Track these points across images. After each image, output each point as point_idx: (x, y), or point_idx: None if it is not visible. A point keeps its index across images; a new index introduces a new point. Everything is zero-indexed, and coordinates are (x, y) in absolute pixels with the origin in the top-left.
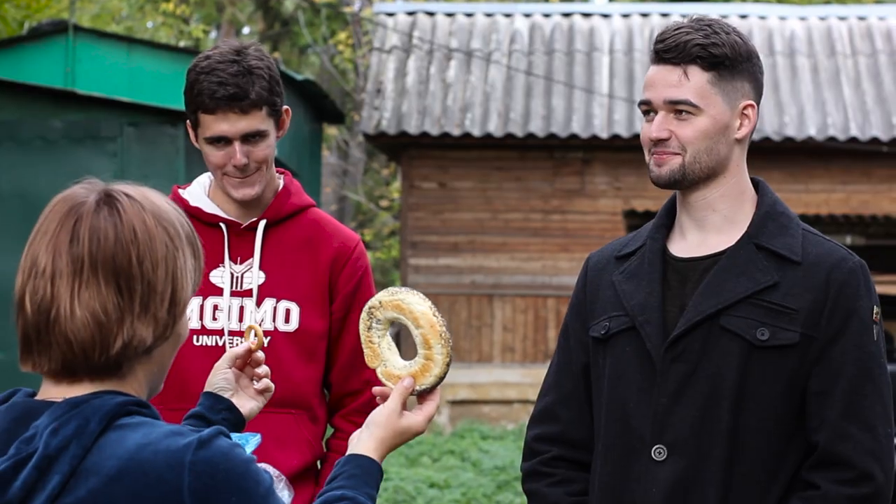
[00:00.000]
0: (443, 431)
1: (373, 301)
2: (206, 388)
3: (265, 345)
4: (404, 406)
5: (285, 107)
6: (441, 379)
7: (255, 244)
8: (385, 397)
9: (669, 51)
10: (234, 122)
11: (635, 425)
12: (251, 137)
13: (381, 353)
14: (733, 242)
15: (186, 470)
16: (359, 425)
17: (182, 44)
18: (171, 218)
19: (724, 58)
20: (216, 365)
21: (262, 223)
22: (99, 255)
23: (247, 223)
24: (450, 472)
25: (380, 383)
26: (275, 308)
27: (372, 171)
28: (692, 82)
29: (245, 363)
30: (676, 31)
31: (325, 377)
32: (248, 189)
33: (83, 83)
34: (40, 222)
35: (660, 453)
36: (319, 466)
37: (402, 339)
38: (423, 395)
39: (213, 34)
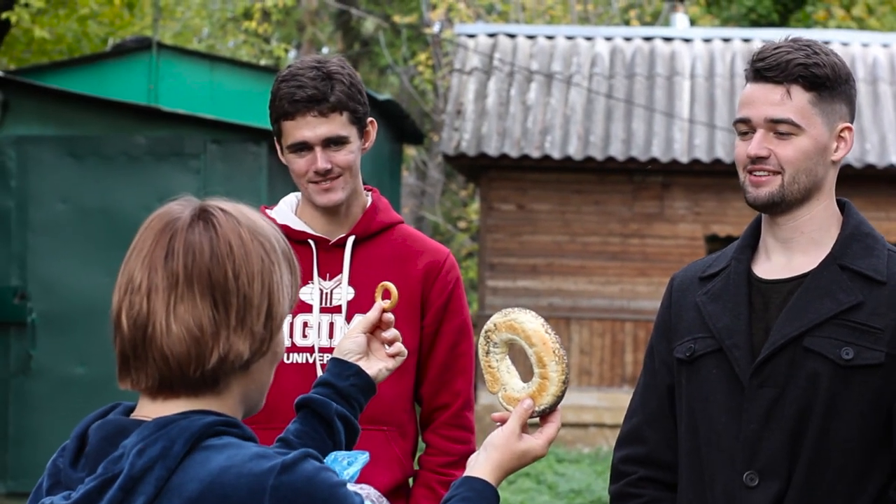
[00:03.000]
0: None
1: (488, 325)
2: (335, 354)
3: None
4: (524, 429)
5: (370, 119)
6: (559, 398)
7: (344, 260)
8: (504, 421)
9: (771, 69)
10: (315, 126)
11: (724, 449)
12: (333, 143)
13: (501, 378)
14: (817, 264)
15: (267, 495)
16: (449, 439)
17: (263, 62)
18: (266, 233)
19: (826, 78)
20: (348, 331)
21: (351, 239)
22: (194, 269)
23: (335, 239)
24: (525, 495)
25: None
26: None
27: (450, 191)
28: (794, 101)
29: (377, 327)
30: (777, 50)
31: (416, 392)
32: (332, 195)
33: (166, 100)
34: (136, 239)
35: (752, 479)
36: (411, 484)
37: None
38: (544, 418)
39: (292, 53)
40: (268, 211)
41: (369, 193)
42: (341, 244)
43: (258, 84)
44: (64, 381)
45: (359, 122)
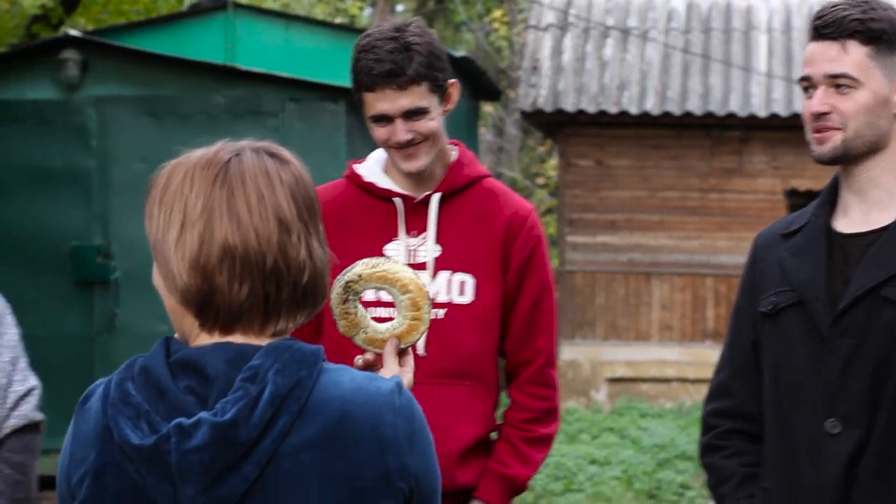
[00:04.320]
0: (601, 409)
1: (350, 276)
2: None
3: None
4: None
5: (451, 80)
6: (423, 334)
7: (430, 217)
8: (371, 364)
9: (827, 26)
10: (394, 99)
11: (806, 399)
12: (413, 114)
13: (360, 322)
14: (895, 217)
15: (397, 413)
16: (532, 396)
17: (338, 20)
18: None
19: (882, 32)
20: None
21: (437, 196)
22: (311, 201)
23: (421, 196)
24: (609, 450)
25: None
26: (449, 280)
27: (528, 148)
28: (851, 56)
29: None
30: (834, 8)
31: (500, 347)
32: (415, 161)
33: (242, 59)
34: (236, 185)
35: (834, 426)
36: (493, 438)
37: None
38: (402, 352)
39: (367, 11)
40: (355, 166)
41: (455, 148)
42: (427, 201)
43: (334, 42)
44: (148, 338)
45: (439, 90)
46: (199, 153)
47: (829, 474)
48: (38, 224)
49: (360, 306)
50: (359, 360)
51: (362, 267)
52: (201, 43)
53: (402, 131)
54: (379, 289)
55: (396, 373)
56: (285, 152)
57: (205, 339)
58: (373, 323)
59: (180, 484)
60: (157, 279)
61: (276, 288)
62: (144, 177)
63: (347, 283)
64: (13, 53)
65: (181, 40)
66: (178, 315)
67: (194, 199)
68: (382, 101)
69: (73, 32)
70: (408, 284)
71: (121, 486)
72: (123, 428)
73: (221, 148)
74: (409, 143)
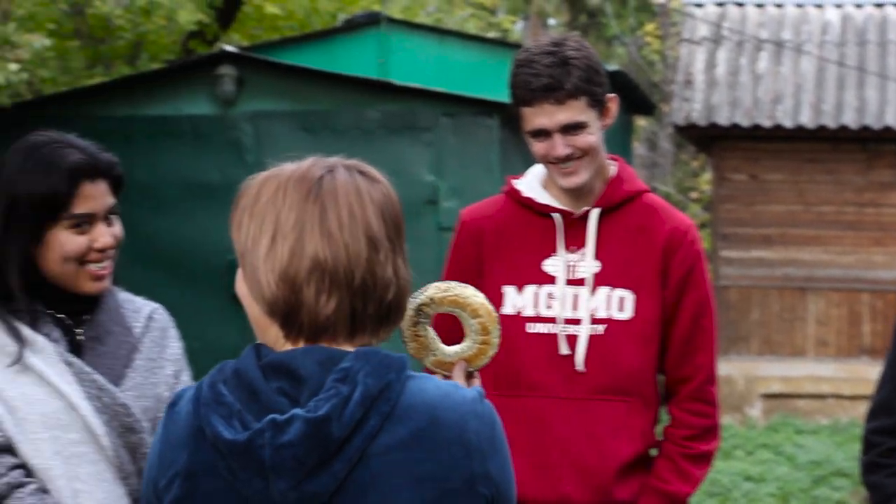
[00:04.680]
0: (756, 425)
1: (422, 299)
2: None
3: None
4: None
5: (610, 95)
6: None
7: (589, 233)
8: None
9: None
10: (552, 114)
11: None
12: (571, 129)
13: (429, 344)
14: None
15: (481, 420)
16: (692, 413)
17: (490, 35)
18: None
19: None
20: None
21: (595, 211)
22: (397, 218)
23: (580, 212)
24: (764, 466)
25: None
26: (609, 296)
27: (681, 162)
28: None
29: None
30: None
31: (660, 363)
32: (574, 178)
33: (395, 74)
34: (328, 202)
35: None
36: (653, 454)
37: None
38: (469, 376)
39: (519, 25)
40: (514, 182)
41: (614, 163)
42: (586, 216)
43: (487, 56)
44: None
45: (598, 104)
46: (291, 167)
47: None
48: (194, 238)
49: (430, 329)
50: None
51: (434, 290)
52: (355, 58)
53: (560, 146)
54: (451, 312)
55: None
56: (375, 171)
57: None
58: (442, 346)
59: (273, 479)
60: (242, 288)
61: (362, 304)
62: None
63: (419, 306)
64: (170, 69)
65: (335, 55)
66: (262, 325)
67: (287, 213)
68: (540, 116)
69: (229, 48)
70: (478, 309)
71: (212, 487)
72: (216, 425)
73: (314, 163)
74: (568, 159)
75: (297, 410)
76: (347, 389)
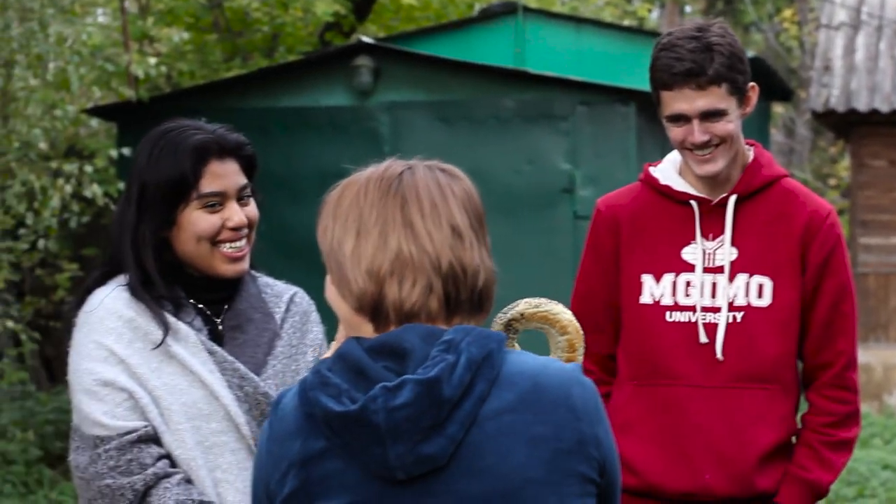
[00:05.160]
0: (894, 413)
1: (513, 314)
2: None
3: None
4: None
5: (751, 83)
6: None
7: (727, 220)
8: None
9: None
10: (692, 99)
11: None
12: (710, 116)
13: None
14: None
15: (584, 387)
16: (832, 399)
17: (626, 23)
18: None
19: None
20: None
21: (733, 198)
22: (480, 210)
23: (717, 199)
24: None
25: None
26: (747, 283)
27: (819, 148)
28: None
29: None
30: None
31: (799, 350)
32: (710, 166)
33: (532, 63)
34: (409, 196)
35: None
36: (794, 442)
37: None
38: None
39: (655, 13)
40: (651, 169)
41: (751, 149)
42: (723, 204)
43: (623, 45)
44: None
45: (738, 92)
46: (370, 169)
47: None
48: None
49: (516, 344)
50: None
51: (525, 306)
52: (491, 47)
53: (698, 132)
54: (539, 328)
55: None
56: (456, 169)
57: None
58: None
59: (390, 443)
60: (331, 290)
61: (454, 289)
62: None
63: (509, 321)
64: (307, 61)
65: (471, 45)
66: (354, 324)
67: (368, 210)
68: (680, 101)
69: (366, 39)
70: (567, 326)
71: (329, 470)
72: (326, 402)
73: (393, 163)
74: (705, 146)
75: (407, 375)
76: (453, 357)
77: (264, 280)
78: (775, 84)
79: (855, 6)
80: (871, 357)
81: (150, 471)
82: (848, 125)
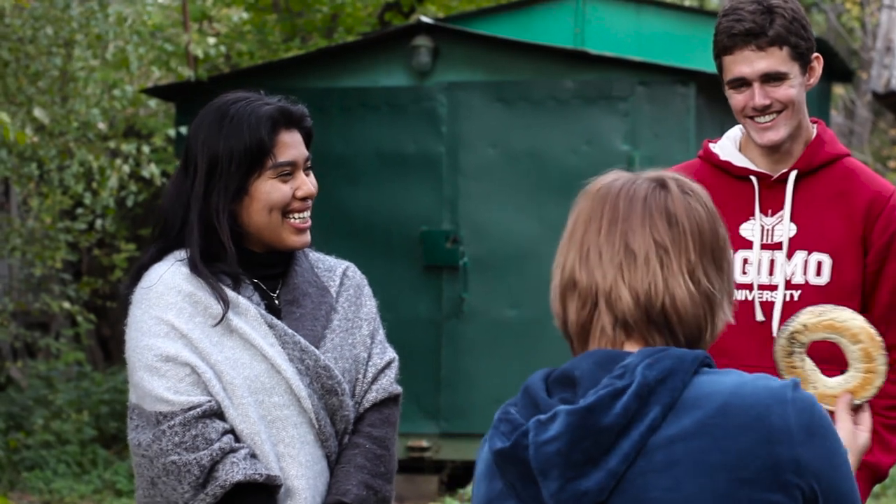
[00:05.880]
0: None
1: (795, 326)
2: None
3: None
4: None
5: (816, 54)
6: (879, 389)
7: (786, 196)
8: None
9: None
10: (752, 61)
11: None
12: (771, 79)
13: (808, 376)
14: None
15: (790, 404)
16: (892, 382)
17: (688, 3)
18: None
19: None
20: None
21: (793, 174)
22: (701, 233)
23: (777, 175)
24: None
25: None
26: (805, 261)
27: (879, 130)
28: None
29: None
30: None
31: None
32: (773, 133)
33: (592, 43)
34: (599, 214)
35: None
36: None
37: None
38: (856, 408)
39: None
40: (711, 145)
41: (815, 126)
42: (783, 179)
43: (684, 26)
44: (495, 323)
45: (801, 58)
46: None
47: None
48: (389, 209)
49: (807, 360)
50: None
51: (808, 316)
52: (551, 28)
53: (759, 95)
54: (827, 339)
55: (849, 431)
56: (690, 183)
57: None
58: (822, 377)
59: (542, 480)
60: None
61: (621, 312)
62: (494, 162)
63: (792, 333)
64: (366, 41)
65: (531, 26)
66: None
67: (565, 234)
68: (741, 64)
69: (425, 19)
70: (858, 334)
71: None
72: (495, 441)
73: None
74: (766, 111)
75: (561, 406)
76: (623, 382)
77: (315, 255)
78: (836, 65)
79: None
80: None
81: (217, 446)
82: None
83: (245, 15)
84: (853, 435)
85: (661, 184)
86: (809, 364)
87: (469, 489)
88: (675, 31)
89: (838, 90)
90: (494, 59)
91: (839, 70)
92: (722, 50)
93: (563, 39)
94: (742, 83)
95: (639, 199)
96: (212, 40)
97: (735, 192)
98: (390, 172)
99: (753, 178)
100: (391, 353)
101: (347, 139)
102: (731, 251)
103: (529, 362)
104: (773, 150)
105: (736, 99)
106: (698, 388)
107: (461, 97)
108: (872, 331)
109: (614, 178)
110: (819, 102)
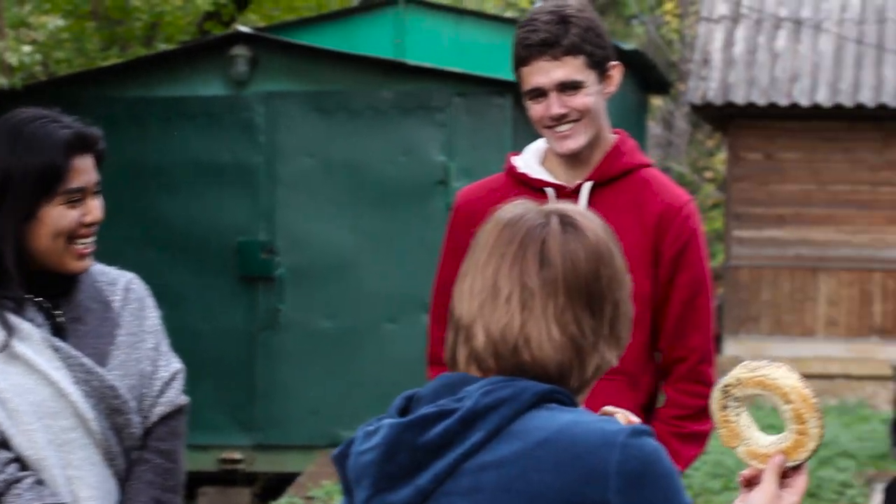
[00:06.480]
0: (763, 405)
1: (729, 379)
2: None
3: None
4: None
5: (614, 62)
6: (814, 452)
7: (580, 207)
8: (751, 480)
9: None
10: (548, 70)
11: None
12: (567, 88)
13: (741, 432)
14: None
15: (619, 449)
16: (686, 393)
17: (508, 14)
18: (612, 233)
19: None
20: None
21: (588, 185)
22: (574, 277)
23: (573, 185)
24: None
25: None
26: None
27: (696, 141)
28: None
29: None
30: None
31: (654, 342)
32: (570, 142)
33: (412, 54)
34: (488, 244)
35: None
36: None
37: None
38: (790, 470)
39: (538, 4)
40: (513, 159)
41: (615, 136)
42: (580, 190)
43: (504, 36)
44: (312, 334)
45: (597, 66)
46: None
47: None
48: (206, 219)
49: (743, 414)
50: (743, 475)
51: (741, 370)
52: (371, 38)
53: (556, 104)
54: (759, 395)
55: (772, 494)
56: (582, 221)
57: None
58: (757, 434)
59: (355, 488)
60: None
61: (475, 345)
62: (312, 173)
63: (725, 386)
64: (183, 50)
65: (351, 36)
66: None
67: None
68: (537, 74)
69: (243, 29)
70: (789, 393)
71: None
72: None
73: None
74: (563, 119)
75: (387, 419)
76: (456, 406)
77: (98, 267)
78: (654, 77)
79: (735, 0)
80: (742, 350)
81: (1, 478)
82: (725, 118)
83: (62, 22)
84: (777, 498)
85: (546, 221)
86: (745, 419)
87: (282, 500)
88: (495, 41)
89: (657, 102)
90: (313, 69)
91: (657, 82)
92: (519, 61)
93: (383, 50)
94: (539, 93)
95: (519, 235)
96: (27, 48)
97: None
98: (207, 182)
99: (550, 190)
100: (176, 364)
101: (164, 149)
102: (624, 290)
103: (346, 373)
104: (573, 159)
105: (534, 109)
106: (530, 420)
107: (279, 107)
108: (806, 391)
109: (514, 209)
110: (637, 114)
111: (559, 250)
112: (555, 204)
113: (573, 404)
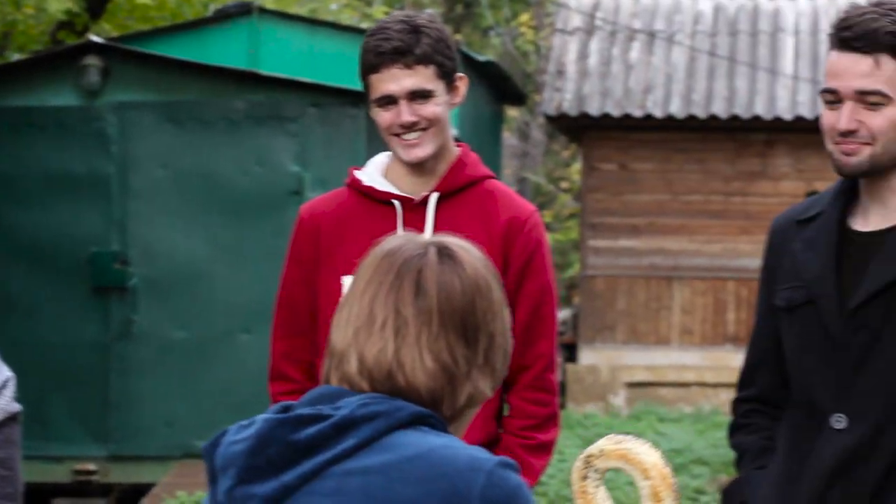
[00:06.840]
0: (619, 413)
1: (592, 450)
2: None
3: None
4: None
5: (460, 74)
6: None
7: (427, 219)
8: None
9: (858, 38)
10: (400, 78)
11: (817, 396)
12: (418, 97)
13: None
14: None
15: (485, 475)
16: (531, 402)
17: (363, 26)
18: (491, 266)
19: None
20: None
21: (434, 196)
22: (447, 307)
23: (419, 197)
24: None
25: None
26: None
27: (552, 152)
28: (883, 72)
29: None
30: (862, 17)
31: None
32: (418, 150)
33: (266, 65)
34: (368, 274)
35: (839, 421)
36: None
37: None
38: None
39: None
40: (356, 172)
41: (458, 149)
42: (426, 202)
43: (358, 47)
44: (165, 345)
45: (446, 77)
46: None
47: (824, 467)
48: (56, 230)
49: (601, 489)
50: None
51: (606, 441)
52: (225, 48)
53: (406, 112)
54: (620, 468)
55: None
56: (460, 252)
57: None
58: None
59: (220, 477)
60: None
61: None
62: (165, 183)
63: (588, 456)
64: (34, 60)
65: (205, 46)
66: None
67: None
68: (388, 82)
69: (96, 38)
70: (649, 470)
71: None
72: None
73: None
74: (413, 127)
75: (264, 415)
76: (332, 411)
77: None
78: (509, 88)
79: (589, 11)
80: (598, 358)
81: None
82: (580, 129)
83: None
84: None
85: (424, 251)
86: (602, 494)
87: None
88: (351, 52)
89: (513, 112)
90: (166, 79)
91: (513, 93)
92: (369, 68)
93: (237, 60)
94: (389, 101)
95: (396, 265)
96: None
97: (380, 216)
98: (59, 193)
99: (396, 202)
100: (6, 373)
101: (15, 159)
102: (500, 322)
103: (200, 383)
104: (418, 170)
105: (383, 117)
106: (403, 437)
107: (131, 117)
108: (666, 470)
109: (394, 240)
110: (493, 124)
111: (435, 280)
112: (434, 236)
113: (445, 432)
